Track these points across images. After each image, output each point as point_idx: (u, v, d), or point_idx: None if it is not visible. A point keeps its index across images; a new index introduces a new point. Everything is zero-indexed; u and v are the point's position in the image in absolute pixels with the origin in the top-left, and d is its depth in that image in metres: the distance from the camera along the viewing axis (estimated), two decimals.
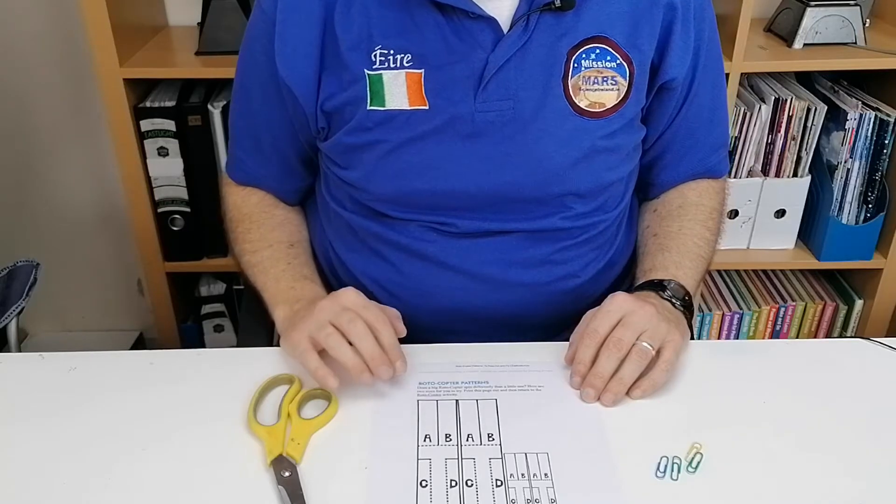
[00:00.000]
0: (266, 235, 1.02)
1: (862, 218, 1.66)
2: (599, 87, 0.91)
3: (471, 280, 0.97)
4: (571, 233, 0.98)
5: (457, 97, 0.90)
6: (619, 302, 0.85)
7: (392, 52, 0.89)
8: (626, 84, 0.92)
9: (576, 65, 0.90)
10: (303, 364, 0.84)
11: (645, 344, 0.83)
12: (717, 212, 1.06)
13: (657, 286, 0.93)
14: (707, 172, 1.06)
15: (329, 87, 0.92)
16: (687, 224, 1.02)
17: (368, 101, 0.90)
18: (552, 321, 1.01)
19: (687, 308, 0.92)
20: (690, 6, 0.93)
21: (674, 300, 0.91)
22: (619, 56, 0.91)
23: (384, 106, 0.91)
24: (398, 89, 0.90)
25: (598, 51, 0.91)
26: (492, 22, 0.88)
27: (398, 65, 0.90)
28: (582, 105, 0.91)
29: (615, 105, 0.92)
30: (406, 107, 0.90)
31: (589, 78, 0.91)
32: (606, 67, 0.91)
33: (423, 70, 0.89)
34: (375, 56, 0.90)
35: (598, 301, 0.88)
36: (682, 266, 0.97)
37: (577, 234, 0.98)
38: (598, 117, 0.92)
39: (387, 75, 0.90)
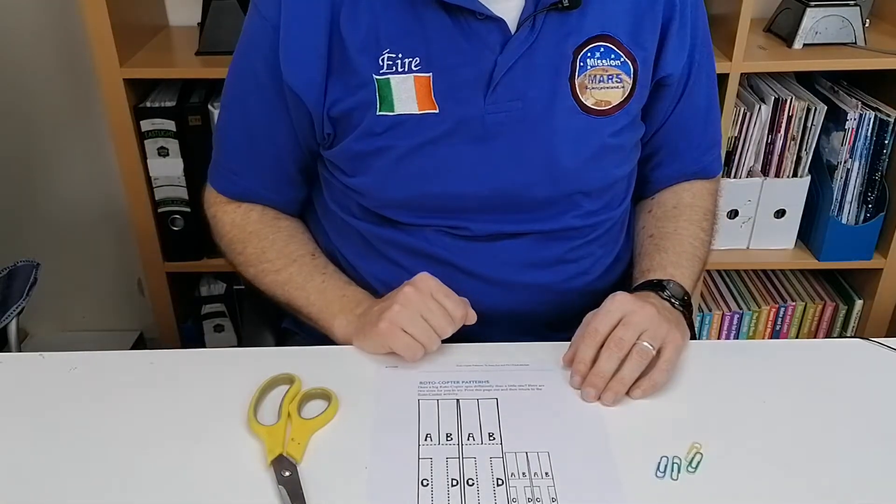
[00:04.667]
0: (284, 250, 1.01)
1: (862, 218, 1.66)
2: (605, 86, 0.91)
3: (485, 283, 0.97)
4: (582, 231, 0.98)
5: (467, 99, 0.89)
6: (619, 302, 0.85)
7: (400, 55, 0.89)
8: (630, 81, 0.92)
9: (582, 64, 0.91)
10: (395, 347, 0.86)
11: (646, 343, 0.83)
12: (711, 213, 1.07)
13: (656, 286, 0.93)
14: (702, 171, 1.07)
15: (335, 92, 0.91)
16: (682, 224, 1.03)
17: (378, 106, 0.90)
18: (562, 319, 1.01)
19: (686, 308, 0.93)
20: (688, 5, 0.94)
21: (673, 300, 0.92)
22: (622, 54, 0.92)
23: (393, 111, 0.90)
24: (407, 94, 0.89)
25: (602, 49, 0.91)
26: (500, 23, 0.88)
27: (406, 69, 0.89)
28: (588, 103, 0.91)
29: (620, 102, 0.93)
30: (415, 111, 0.90)
31: (595, 76, 0.91)
32: (611, 65, 0.91)
33: (431, 74, 0.89)
34: (383, 60, 0.89)
35: (605, 296, 0.88)
36: (679, 266, 0.97)
37: (588, 232, 0.99)
38: (604, 115, 0.92)
39: (395, 79, 0.89)
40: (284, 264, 0.99)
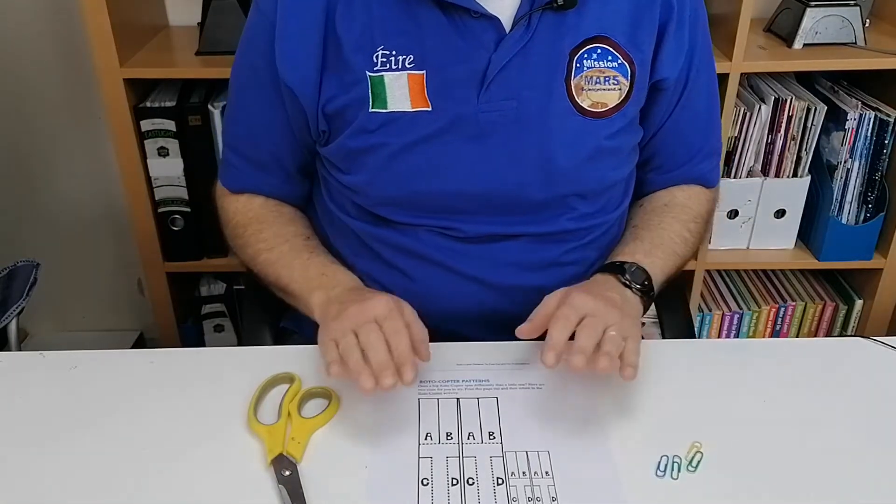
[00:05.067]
0: (280, 232, 1.01)
1: (862, 218, 1.66)
2: (602, 87, 0.91)
3: (478, 285, 0.97)
4: (577, 234, 0.98)
5: (460, 98, 0.89)
6: (581, 301, 0.81)
7: (394, 52, 0.89)
8: (627, 84, 0.92)
9: (578, 65, 0.90)
10: (322, 354, 0.81)
11: (614, 334, 0.79)
12: (702, 217, 1.06)
13: (618, 269, 0.91)
14: (699, 178, 1.06)
15: (330, 88, 0.92)
16: (668, 221, 1.02)
17: (370, 103, 0.90)
18: None
19: (645, 293, 0.90)
20: (686, 8, 0.94)
21: (632, 284, 0.89)
22: (619, 56, 0.91)
23: (386, 108, 0.90)
24: (400, 91, 0.90)
25: (599, 51, 0.91)
26: (494, 21, 0.88)
27: (400, 66, 0.89)
28: (584, 105, 0.91)
29: (617, 105, 0.92)
30: (408, 109, 0.90)
31: (591, 78, 0.91)
32: (608, 67, 0.91)
33: (424, 71, 0.89)
34: (377, 57, 0.89)
35: None
36: (651, 255, 0.95)
37: (583, 235, 0.98)
38: (600, 117, 0.92)
39: (388, 77, 0.89)
40: (277, 243, 1.00)
